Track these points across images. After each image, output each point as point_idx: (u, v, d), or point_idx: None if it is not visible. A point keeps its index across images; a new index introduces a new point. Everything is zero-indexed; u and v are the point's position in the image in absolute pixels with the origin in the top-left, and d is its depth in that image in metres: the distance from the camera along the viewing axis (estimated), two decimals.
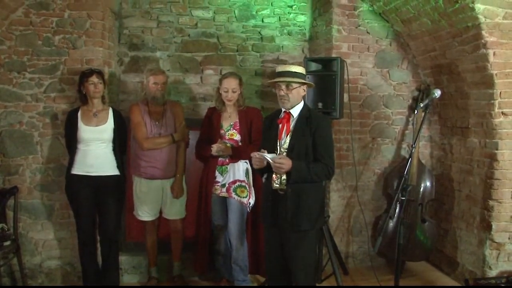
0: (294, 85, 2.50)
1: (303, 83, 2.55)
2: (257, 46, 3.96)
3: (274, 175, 2.54)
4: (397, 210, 3.43)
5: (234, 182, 3.12)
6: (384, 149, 3.84)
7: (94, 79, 3.10)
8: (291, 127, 2.55)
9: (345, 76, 3.41)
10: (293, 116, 2.56)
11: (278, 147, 2.56)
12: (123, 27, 3.79)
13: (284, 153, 2.53)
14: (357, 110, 3.74)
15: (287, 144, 2.53)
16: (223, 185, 3.14)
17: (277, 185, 2.54)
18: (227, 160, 3.13)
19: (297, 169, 2.45)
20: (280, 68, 2.57)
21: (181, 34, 3.86)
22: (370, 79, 3.77)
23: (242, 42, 3.94)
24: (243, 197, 3.11)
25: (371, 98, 3.79)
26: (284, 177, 2.50)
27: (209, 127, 3.23)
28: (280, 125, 2.58)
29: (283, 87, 2.50)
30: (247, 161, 3.11)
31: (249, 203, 3.11)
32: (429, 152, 3.91)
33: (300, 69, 2.55)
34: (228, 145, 3.12)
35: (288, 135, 2.54)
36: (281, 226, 2.54)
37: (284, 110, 2.58)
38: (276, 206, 2.55)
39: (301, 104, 2.59)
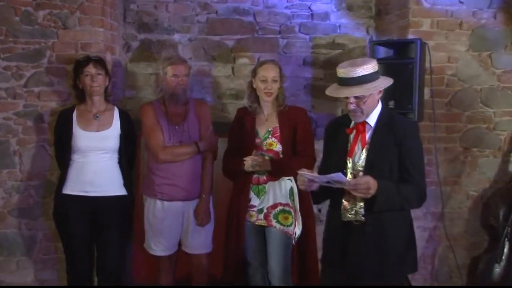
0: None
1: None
2: (306, 26, 3.80)
3: (345, 202, 2.40)
4: (505, 250, 3.27)
5: (275, 206, 3.01)
6: (482, 164, 3.59)
7: (91, 69, 3.00)
8: (367, 138, 2.44)
9: (427, 64, 3.28)
10: (369, 125, 2.46)
11: (350, 165, 2.43)
12: (130, 1, 3.72)
13: (360, 173, 2.39)
14: (442, 110, 3.51)
15: (363, 160, 2.41)
16: (260, 211, 3.01)
17: (351, 216, 2.40)
18: (264, 178, 3.02)
19: (385, 192, 2.30)
20: (343, 73, 2.39)
21: (206, 11, 3.76)
22: (462, 67, 3.52)
23: (286, 21, 3.80)
24: (287, 226, 2.98)
25: (463, 94, 3.55)
26: (361, 203, 2.36)
27: (240, 134, 3.13)
28: (352, 136, 2.46)
29: (352, 99, 2.38)
30: (291, 178, 2.98)
31: (295, 233, 2.98)
32: None
33: (370, 67, 2.38)
34: (266, 157, 3.01)
35: (364, 149, 2.43)
36: (354, 270, 2.40)
37: None
38: (348, 244, 2.42)
39: (379, 108, 2.47)
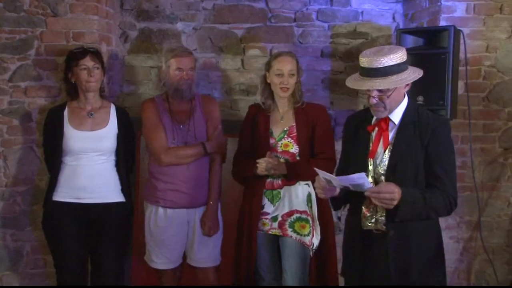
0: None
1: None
2: (325, 13, 3.73)
3: (365, 209, 2.36)
4: None
5: (291, 213, 2.97)
6: None
7: (88, 62, 2.96)
8: (390, 137, 2.38)
9: (461, 55, 3.22)
10: (393, 122, 2.40)
11: (371, 167, 2.38)
12: None
13: (382, 177, 2.34)
14: (479, 106, 3.41)
15: (386, 163, 2.35)
16: (274, 218, 2.98)
17: (371, 224, 2.36)
18: (279, 182, 2.98)
19: (409, 201, 2.23)
20: (366, 62, 2.34)
21: None
22: (502, 58, 3.40)
23: (302, 8, 3.73)
24: (304, 235, 2.94)
25: (503, 87, 3.44)
26: (382, 212, 2.33)
27: (252, 133, 3.10)
28: (373, 134, 2.41)
29: (375, 92, 2.35)
30: (309, 183, 2.95)
31: (313, 243, 2.94)
32: None
33: (398, 57, 2.31)
34: (282, 160, 2.97)
35: (387, 150, 2.37)
36: (375, 283, 2.39)
37: None
38: (369, 255, 2.39)
39: (404, 103, 2.40)
